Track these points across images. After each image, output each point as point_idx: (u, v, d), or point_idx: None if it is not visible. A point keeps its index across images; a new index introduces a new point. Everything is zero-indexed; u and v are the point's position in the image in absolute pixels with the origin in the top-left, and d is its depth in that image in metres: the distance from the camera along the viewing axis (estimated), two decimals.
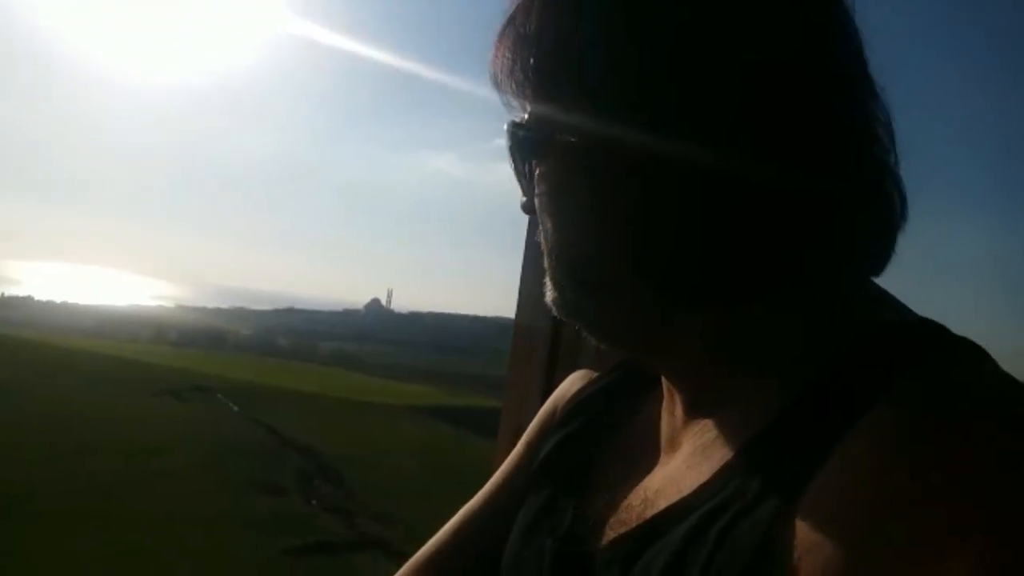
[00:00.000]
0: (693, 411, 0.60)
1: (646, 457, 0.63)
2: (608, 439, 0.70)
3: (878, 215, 0.55)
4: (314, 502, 17.23)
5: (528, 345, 1.25)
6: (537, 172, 0.60)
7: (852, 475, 0.43)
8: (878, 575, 0.39)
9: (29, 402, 22.53)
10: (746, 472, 0.50)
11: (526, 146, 0.61)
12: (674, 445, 0.61)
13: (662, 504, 0.55)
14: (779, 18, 0.53)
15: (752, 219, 0.53)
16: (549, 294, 0.62)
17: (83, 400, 23.52)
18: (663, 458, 0.61)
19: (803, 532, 0.44)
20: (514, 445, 1.00)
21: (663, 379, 0.64)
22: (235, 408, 26.24)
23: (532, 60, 0.57)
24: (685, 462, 0.57)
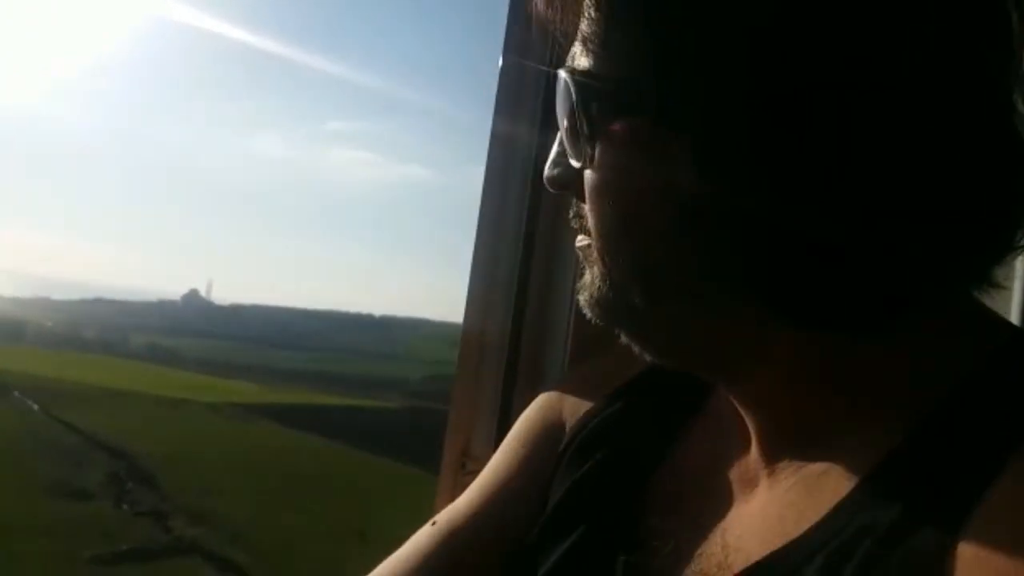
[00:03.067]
0: (777, 443, 0.52)
1: (712, 495, 0.55)
2: (654, 470, 0.59)
3: (996, 231, 0.48)
4: (125, 506, 16.34)
5: (479, 358, 1.09)
6: (604, 141, 0.49)
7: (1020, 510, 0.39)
8: None
9: None
10: (874, 506, 0.44)
11: (600, 102, 0.49)
12: (751, 482, 0.53)
13: (757, 549, 0.48)
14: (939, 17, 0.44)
15: (881, 226, 0.45)
16: (592, 293, 0.53)
17: None
18: (738, 497, 0.54)
19: (976, 565, 0.39)
20: (459, 471, 0.93)
21: (728, 401, 0.56)
22: (35, 407, 24.36)
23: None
24: (780, 501, 0.50)
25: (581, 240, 0.55)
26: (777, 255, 0.46)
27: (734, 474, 0.55)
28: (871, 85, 0.43)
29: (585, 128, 0.50)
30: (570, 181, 0.53)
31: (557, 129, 0.53)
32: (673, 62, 0.46)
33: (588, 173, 0.51)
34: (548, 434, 0.69)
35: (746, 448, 0.55)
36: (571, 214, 0.55)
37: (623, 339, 0.54)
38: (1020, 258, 0.50)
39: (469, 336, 1.11)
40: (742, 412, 0.54)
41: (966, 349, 0.48)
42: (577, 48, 0.50)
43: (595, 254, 0.52)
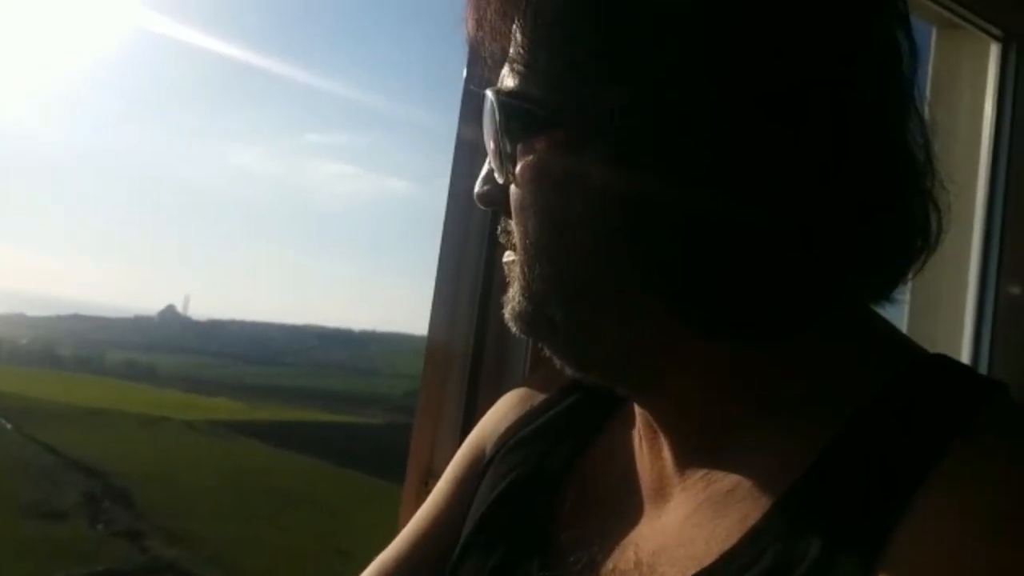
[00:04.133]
0: (689, 453, 0.52)
1: (624, 505, 0.54)
2: (566, 481, 0.59)
3: (904, 239, 0.50)
4: (101, 526, 16.08)
5: (443, 367, 1.11)
6: (526, 158, 0.50)
7: (953, 532, 0.38)
8: None
9: None
10: (788, 536, 0.42)
11: (522, 120, 0.49)
12: (663, 494, 0.53)
13: (670, 572, 0.47)
14: (816, 38, 0.46)
15: (793, 237, 0.46)
16: (514, 307, 0.53)
17: None
18: (649, 509, 0.53)
19: None
20: (423, 485, 0.91)
21: (641, 412, 0.56)
22: (8, 426, 24.00)
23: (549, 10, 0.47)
24: (689, 518, 0.49)
25: (508, 256, 0.56)
26: (690, 265, 0.47)
27: (646, 485, 0.55)
28: (776, 107, 0.45)
29: (507, 146, 0.51)
30: (498, 198, 0.55)
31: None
32: (589, 77, 0.47)
33: (512, 189, 0.52)
34: (473, 455, 0.70)
35: (659, 458, 0.55)
36: (499, 231, 0.57)
37: (546, 352, 0.55)
38: None
39: (433, 349, 1.13)
40: (655, 423, 0.55)
41: (873, 366, 0.49)
42: (504, 69, 0.52)
43: (517, 268, 0.53)
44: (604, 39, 0.45)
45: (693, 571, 0.46)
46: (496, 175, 0.54)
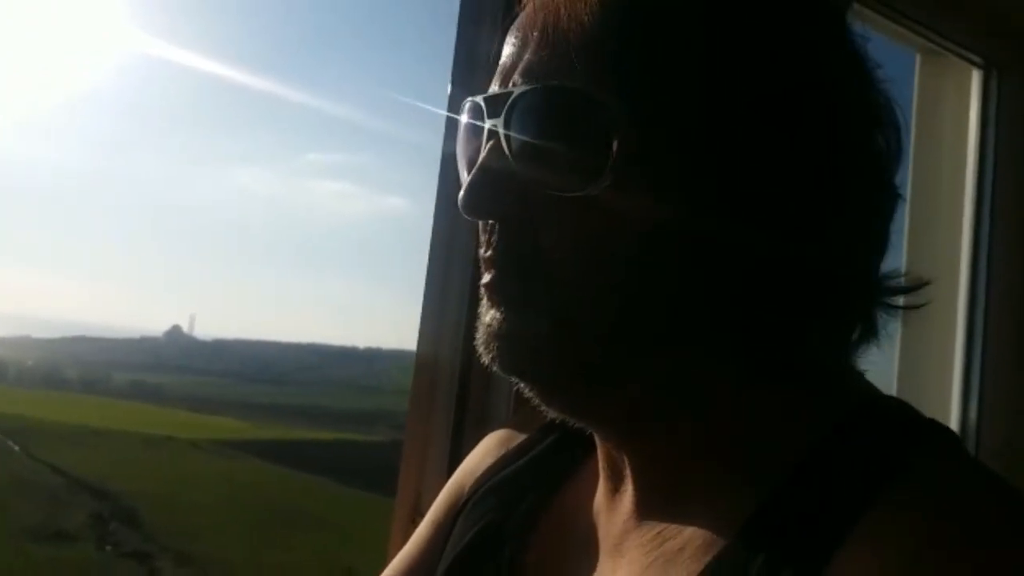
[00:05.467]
0: (645, 507, 0.51)
1: (582, 560, 0.53)
2: (531, 533, 0.58)
3: (866, 293, 0.50)
4: (109, 548, 16.07)
5: (431, 386, 1.08)
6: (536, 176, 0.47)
7: None
8: None
9: None
10: None
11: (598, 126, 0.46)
12: (620, 550, 0.51)
13: None
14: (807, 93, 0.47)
15: (764, 291, 0.47)
16: (505, 335, 0.49)
17: None
18: (606, 563, 0.52)
19: None
20: (412, 511, 0.87)
21: (605, 462, 0.54)
22: (16, 448, 24.02)
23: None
24: (633, 573, 0.48)
25: (489, 276, 0.50)
26: (749, 305, 0.47)
27: (606, 540, 0.53)
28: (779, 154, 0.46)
29: (587, 151, 0.46)
30: (517, 212, 0.49)
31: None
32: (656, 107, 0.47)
33: (572, 199, 0.47)
34: (453, 498, 0.68)
35: (620, 512, 0.53)
36: (486, 247, 0.50)
37: (523, 387, 0.51)
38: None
39: (422, 369, 1.07)
40: (628, 469, 0.53)
41: (819, 415, 0.48)
42: (574, 65, 0.47)
43: (541, 290, 0.48)
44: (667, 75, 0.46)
45: None
46: (547, 186, 0.47)
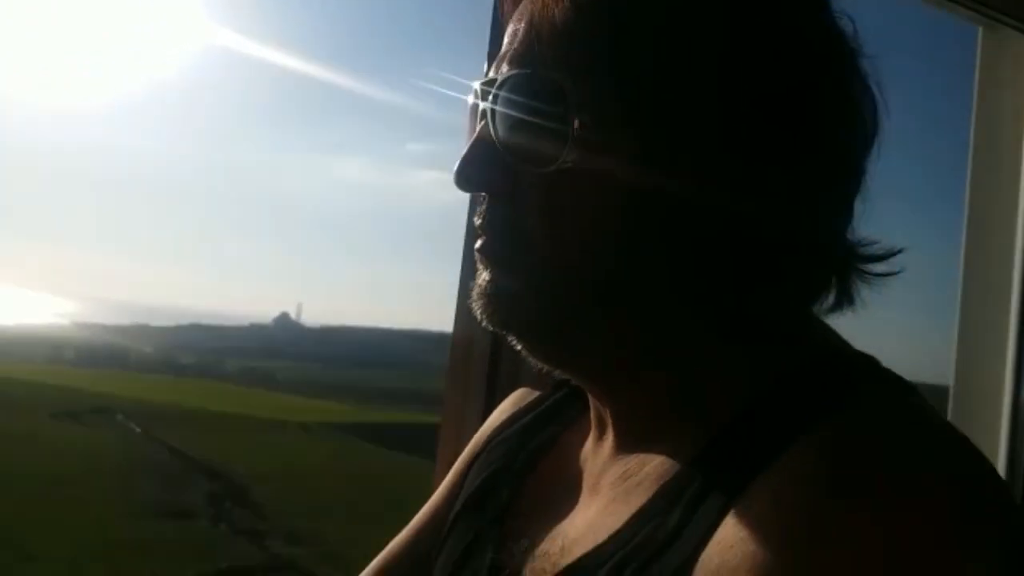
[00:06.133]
0: (620, 451, 0.58)
1: (566, 499, 0.60)
2: (528, 475, 0.66)
3: (825, 256, 0.55)
4: (223, 525, 16.69)
5: (465, 361, 1.17)
6: (536, 157, 0.52)
7: (761, 517, 0.42)
8: None
9: None
10: (662, 515, 0.48)
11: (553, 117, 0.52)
12: (596, 489, 0.58)
13: (578, 553, 0.53)
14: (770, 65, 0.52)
15: (723, 254, 0.52)
16: (494, 294, 0.55)
17: None
18: (584, 500, 0.59)
19: (711, 571, 0.42)
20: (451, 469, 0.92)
21: (593, 413, 0.62)
22: (137, 429, 25.24)
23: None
24: (606, 508, 0.55)
25: (480, 242, 0.56)
26: (714, 267, 0.52)
27: (587, 481, 0.60)
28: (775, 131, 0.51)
29: (551, 131, 0.52)
30: (501, 184, 0.55)
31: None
32: (634, 84, 0.51)
33: (534, 178, 0.53)
34: (473, 450, 0.75)
35: (600, 457, 0.60)
36: (479, 216, 0.56)
37: (513, 341, 0.57)
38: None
39: (457, 342, 1.16)
40: (609, 420, 0.59)
41: (776, 366, 0.53)
42: (546, 54, 0.52)
43: (516, 253, 0.54)
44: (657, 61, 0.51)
45: (587, 550, 0.52)
46: (526, 161, 0.53)
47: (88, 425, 25.35)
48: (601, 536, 0.51)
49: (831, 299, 0.55)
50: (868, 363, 0.53)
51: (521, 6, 0.55)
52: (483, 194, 0.56)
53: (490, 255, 0.56)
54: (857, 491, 0.40)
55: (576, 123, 0.51)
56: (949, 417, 1.60)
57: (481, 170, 0.55)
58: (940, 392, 1.71)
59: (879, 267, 0.56)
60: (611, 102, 0.51)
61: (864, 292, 0.55)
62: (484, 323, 0.56)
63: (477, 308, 0.56)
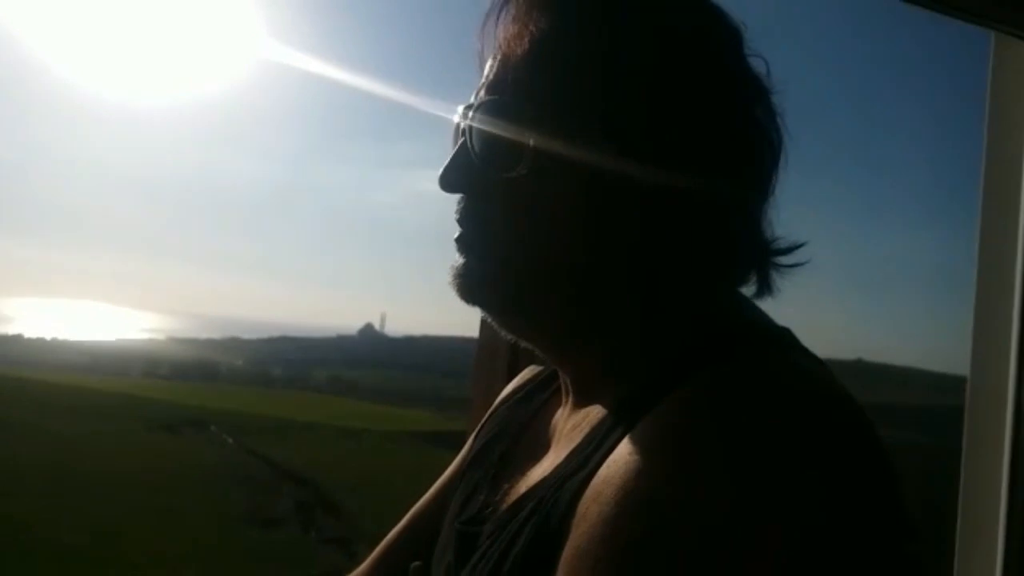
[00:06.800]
0: (574, 409, 0.70)
1: (540, 451, 0.72)
2: (520, 435, 0.79)
3: (743, 237, 0.66)
4: (313, 533, 16.99)
5: (491, 360, 1.29)
6: (505, 160, 0.63)
7: (634, 439, 0.53)
8: (598, 541, 0.49)
9: (23, 441, 22.26)
10: (584, 450, 0.60)
11: (520, 121, 0.63)
12: (558, 439, 0.70)
13: (528, 486, 0.65)
14: (691, 77, 0.63)
15: (654, 253, 0.64)
16: (468, 276, 0.66)
17: (76, 437, 23.26)
18: (548, 453, 0.70)
19: (580, 508, 0.53)
20: None
21: (561, 382, 0.74)
22: (230, 440, 25.97)
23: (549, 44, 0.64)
24: (557, 453, 0.66)
25: (462, 232, 0.67)
26: (642, 251, 0.64)
27: (554, 435, 0.72)
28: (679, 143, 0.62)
29: (511, 144, 0.63)
30: (471, 186, 0.66)
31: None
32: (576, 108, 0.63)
33: (503, 182, 0.64)
34: (481, 423, 0.88)
35: (563, 414, 0.72)
36: (457, 212, 0.67)
37: (487, 317, 0.68)
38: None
39: (483, 344, 1.29)
40: (567, 381, 0.72)
41: (689, 335, 0.63)
42: (510, 82, 0.64)
43: (482, 242, 0.65)
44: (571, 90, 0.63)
45: (523, 492, 0.65)
46: (493, 167, 0.64)
47: (183, 436, 26.22)
48: (547, 472, 0.63)
49: (754, 288, 0.67)
50: (766, 332, 0.64)
51: (495, 45, 0.67)
52: (461, 194, 0.67)
53: (463, 243, 0.66)
54: (696, 417, 0.51)
55: (531, 140, 0.62)
56: (966, 406, 1.80)
57: (458, 175, 0.66)
58: (960, 382, 1.86)
59: (788, 259, 0.67)
60: (558, 122, 0.62)
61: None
62: (459, 297, 0.67)
63: (453, 286, 0.67)
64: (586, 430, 0.62)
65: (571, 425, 0.67)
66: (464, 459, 0.85)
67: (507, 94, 0.64)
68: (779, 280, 0.67)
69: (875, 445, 0.51)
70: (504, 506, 0.66)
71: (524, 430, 0.78)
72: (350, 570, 0.86)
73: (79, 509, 16.29)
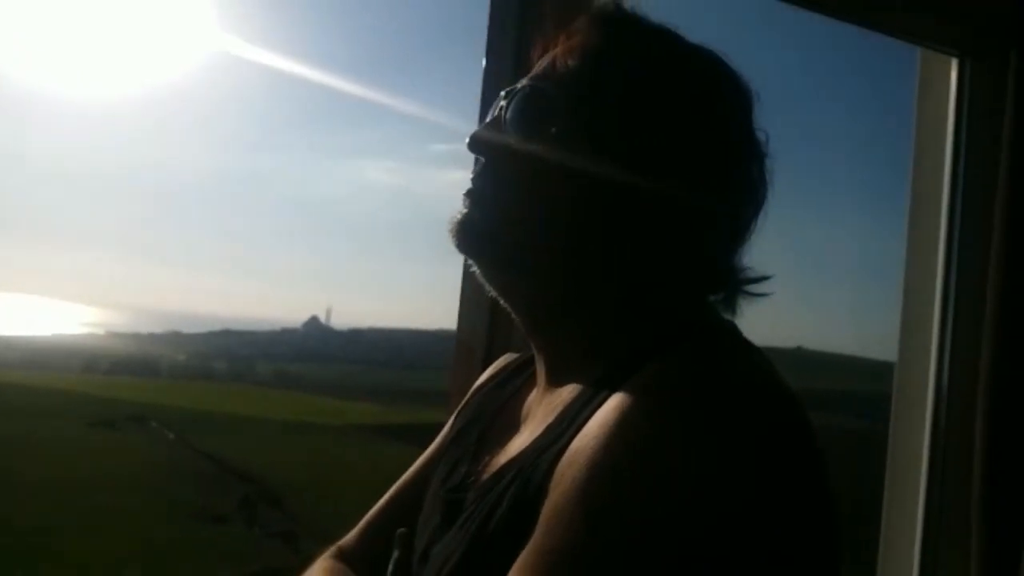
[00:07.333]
0: (547, 389, 0.79)
1: (515, 430, 0.81)
2: (496, 416, 0.87)
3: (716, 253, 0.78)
4: (257, 528, 16.81)
5: (468, 351, 1.38)
6: (524, 133, 0.75)
7: (600, 416, 0.61)
8: (570, 498, 0.57)
9: None
10: (558, 426, 0.68)
11: (548, 105, 0.75)
12: (532, 418, 0.79)
13: (503, 462, 0.74)
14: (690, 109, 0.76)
15: (638, 254, 0.74)
16: (471, 225, 0.76)
17: (13, 435, 22.59)
18: (524, 428, 0.79)
19: (556, 473, 0.61)
20: None
21: (537, 365, 0.83)
22: (171, 436, 25.50)
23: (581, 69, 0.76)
24: (532, 430, 0.74)
25: (473, 187, 0.78)
26: (621, 236, 0.74)
27: (529, 414, 0.81)
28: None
29: (536, 124, 0.76)
30: (492, 148, 0.77)
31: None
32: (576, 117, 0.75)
33: (522, 155, 0.76)
34: (461, 406, 0.97)
35: (538, 393, 0.81)
36: (473, 172, 0.78)
37: (478, 268, 0.79)
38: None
39: (462, 335, 1.39)
40: (541, 357, 0.82)
41: (655, 329, 0.73)
42: (551, 80, 0.77)
43: (489, 199, 0.77)
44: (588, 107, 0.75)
45: (503, 463, 0.74)
46: (518, 135, 0.76)
47: (124, 432, 25.66)
48: (525, 445, 0.71)
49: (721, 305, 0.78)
50: (717, 327, 0.75)
51: (549, 52, 0.79)
52: (481, 158, 0.78)
53: (473, 197, 0.77)
54: (652, 397, 0.60)
55: (552, 128, 0.74)
56: (894, 391, 1.97)
57: (484, 142, 0.78)
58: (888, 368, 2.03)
59: (759, 288, 0.79)
60: (577, 123, 0.74)
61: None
62: (455, 246, 0.77)
63: (452, 235, 0.77)
64: (560, 408, 0.70)
65: (545, 404, 0.76)
66: (444, 439, 0.94)
67: (548, 85, 0.75)
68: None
69: (801, 423, 0.62)
70: (485, 476, 0.75)
71: (500, 412, 0.87)
72: (296, 565, 0.95)
73: (20, 511, 15.88)
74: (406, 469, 0.99)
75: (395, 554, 0.82)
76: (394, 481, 0.99)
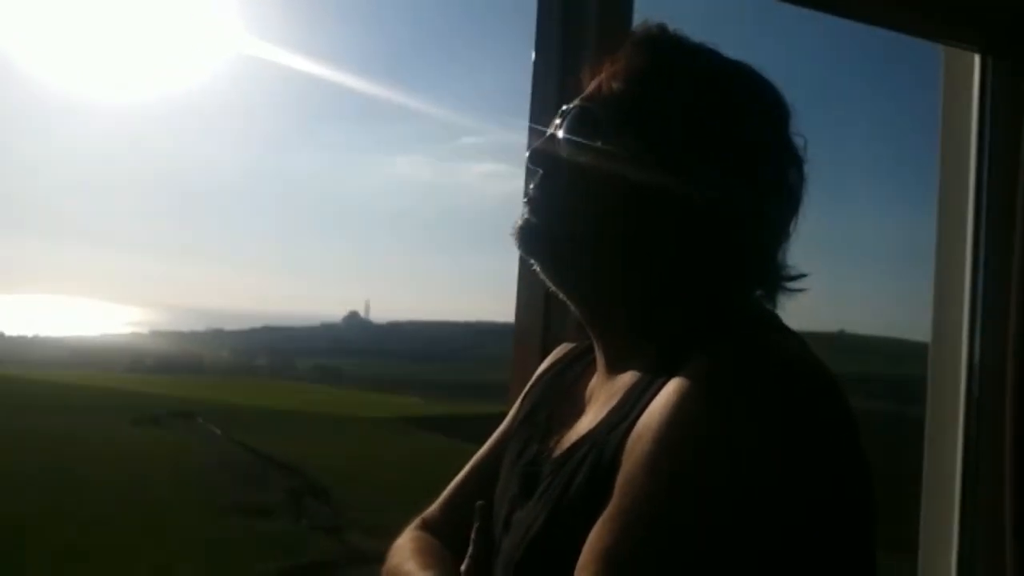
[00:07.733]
0: (607, 376, 0.87)
1: (580, 413, 0.88)
2: (562, 400, 0.95)
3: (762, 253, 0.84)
4: (303, 521, 17.01)
5: (527, 344, 1.49)
6: (588, 143, 0.84)
7: (661, 397, 0.69)
8: (641, 468, 0.66)
9: (9, 438, 22.13)
10: (618, 412, 0.76)
11: (617, 121, 0.83)
12: (595, 402, 0.86)
13: (573, 440, 0.81)
14: (740, 121, 0.83)
15: (687, 254, 0.82)
16: (532, 230, 0.86)
17: (64, 433, 23.13)
18: (588, 411, 0.87)
19: (627, 447, 0.69)
20: None
21: (596, 353, 0.90)
22: (217, 431, 25.91)
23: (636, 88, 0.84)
24: (596, 414, 0.82)
25: (533, 196, 0.88)
26: (672, 245, 0.83)
27: (592, 399, 0.88)
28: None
29: (587, 141, 0.85)
30: (550, 162, 0.87)
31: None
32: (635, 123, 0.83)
33: (574, 164, 0.85)
34: (525, 391, 1.07)
35: (599, 378, 0.89)
36: (533, 183, 0.88)
37: (539, 267, 0.87)
38: None
39: (520, 329, 1.52)
40: (598, 351, 0.90)
41: (708, 321, 0.79)
42: (600, 100, 0.86)
43: (547, 206, 0.86)
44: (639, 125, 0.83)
45: (574, 441, 0.82)
46: (572, 153, 0.86)
47: (169, 429, 26.14)
48: (593, 425, 0.79)
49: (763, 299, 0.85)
50: (760, 317, 0.83)
51: (602, 72, 0.86)
52: (540, 169, 0.87)
53: (533, 205, 0.86)
54: (698, 378, 0.68)
55: (600, 143, 0.83)
56: (928, 367, 2.10)
57: (543, 156, 0.87)
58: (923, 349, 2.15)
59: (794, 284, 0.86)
60: (627, 140, 0.81)
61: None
62: (518, 248, 0.86)
63: (515, 239, 0.86)
64: (622, 392, 0.79)
65: (607, 388, 0.84)
66: (512, 420, 1.04)
67: (596, 106, 0.84)
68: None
69: (838, 400, 0.69)
70: (557, 452, 0.83)
71: (565, 395, 0.95)
72: (342, 557, 1.06)
73: (71, 508, 16.27)
74: (448, 459, 1.06)
75: (476, 523, 0.90)
76: (433, 469, 1.14)
